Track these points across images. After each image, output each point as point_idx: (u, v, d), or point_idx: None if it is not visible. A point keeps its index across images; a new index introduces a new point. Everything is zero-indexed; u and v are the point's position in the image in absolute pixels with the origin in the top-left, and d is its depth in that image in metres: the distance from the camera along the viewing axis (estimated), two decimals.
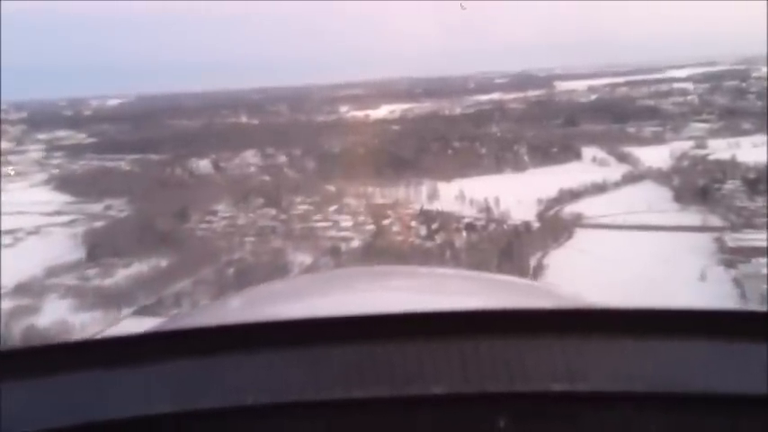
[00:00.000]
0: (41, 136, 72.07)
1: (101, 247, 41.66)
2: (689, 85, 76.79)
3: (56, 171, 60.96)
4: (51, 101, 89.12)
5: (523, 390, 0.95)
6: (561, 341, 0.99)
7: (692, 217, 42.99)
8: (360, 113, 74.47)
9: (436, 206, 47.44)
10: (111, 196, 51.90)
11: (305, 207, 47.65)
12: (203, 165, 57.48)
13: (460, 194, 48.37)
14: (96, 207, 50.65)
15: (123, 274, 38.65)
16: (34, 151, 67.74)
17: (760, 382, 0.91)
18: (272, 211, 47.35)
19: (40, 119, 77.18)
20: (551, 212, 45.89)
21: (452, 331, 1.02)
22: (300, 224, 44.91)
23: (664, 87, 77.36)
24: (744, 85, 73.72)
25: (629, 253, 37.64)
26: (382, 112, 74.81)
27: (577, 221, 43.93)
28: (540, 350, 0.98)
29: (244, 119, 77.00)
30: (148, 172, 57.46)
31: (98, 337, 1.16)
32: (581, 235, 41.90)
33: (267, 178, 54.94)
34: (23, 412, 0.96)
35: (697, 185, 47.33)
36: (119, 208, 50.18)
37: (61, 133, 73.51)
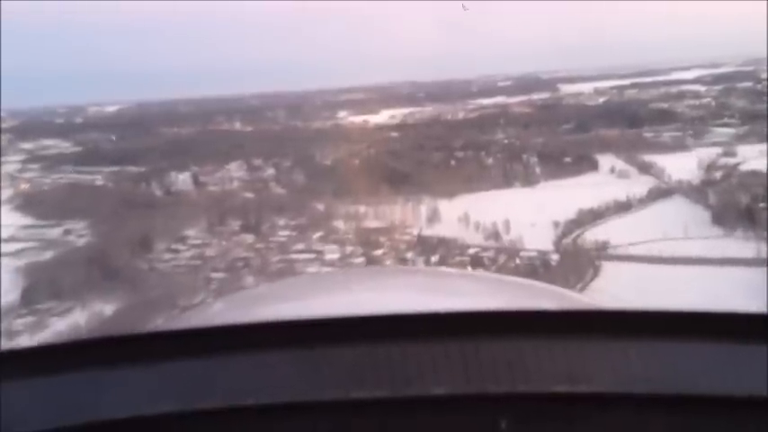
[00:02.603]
0: (26, 146, 62.83)
1: (41, 287, 32.19)
2: (699, 87, 67.05)
3: (25, 187, 51.42)
4: (49, 108, 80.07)
5: (525, 391, 0.90)
6: (563, 342, 0.94)
7: (740, 245, 33.08)
8: (358, 119, 64.64)
9: (437, 231, 37.82)
10: (75, 218, 42.44)
11: (287, 233, 38.12)
12: (182, 179, 47.92)
13: (464, 216, 38.64)
14: (54, 232, 41.19)
15: (56, 327, 29.18)
16: (12, 163, 58.28)
17: (761, 384, 0.87)
18: (249, 238, 37.81)
19: (30, 127, 68.25)
20: (571, 239, 36.10)
21: (453, 332, 0.96)
22: (279, 256, 35.35)
23: (673, 90, 67.61)
24: (759, 86, 64.10)
25: (671, 297, 27.83)
26: (382, 117, 64.91)
27: (603, 252, 34.05)
28: (541, 351, 0.93)
29: (237, 126, 67.56)
30: (122, 188, 48.00)
31: (98, 336, 1.04)
32: (609, 270, 32.00)
33: (250, 195, 45.33)
34: (24, 412, 0.92)
35: (738, 204, 37.46)
36: (79, 233, 40.70)
37: (47, 142, 64.19)
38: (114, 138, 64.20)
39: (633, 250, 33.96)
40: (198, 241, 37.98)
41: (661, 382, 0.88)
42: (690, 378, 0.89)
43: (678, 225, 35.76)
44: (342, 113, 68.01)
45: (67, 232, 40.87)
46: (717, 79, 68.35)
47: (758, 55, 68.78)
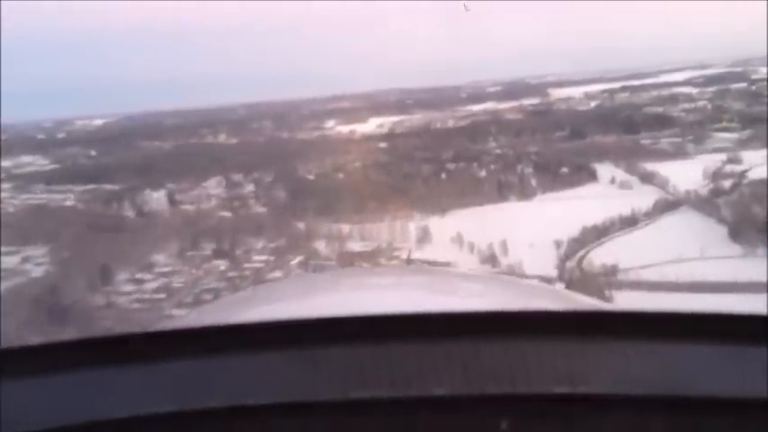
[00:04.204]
0: (4, 163, 57.70)
1: None
2: (691, 90, 62.04)
3: None
4: (36, 122, 74.73)
5: (525, 392, 0.88)
6: (563, 343, 0.91)
7: (764, 266, 28.03)
8: (345, 129, 59.54)
9: (427, 253, 32.81)
10: (38, 243, 37.28)
11: (263, 257, 33.12)
12: (157, 198, 42.79)
13: (457, 236, 33.65)
14: (13, 260, 35.91)
15: None
16: None
17: (760, 386, 0.85)
18: (222, 265, 32.76)
19: (13, 143, 63.08)
20: (575, 262, 31.04)
21: (454, 332, 0.93)
22: (253, 285, 30.22)
23: (665, 93, 62.67)
24: (753, 88, 59.27)
25: None
26: (370, 126, 59.89)
27: (613, 278, 28.92)
28: (541, 352, 0.91)
29: (222, 138, 62.47)
30: (92, 209, 42.88)
31: (99, 335, 1.00)
32: (621, 302, 26.86)
33: (227, 214, 40.26)
34: (24, 412, 0.89)
35: (755, 217, 32.52)
36: (38, 260, 35.52)
37: (26, 159, 59.11)
38: (95, 153, 59.31)
39: (646, 275, 28.90)
40: (166, 269, 32.94)
41: (661, 383, 0.86)
42: (689, 379, 0.86)
43: (692, 243, 30.83)
44: (329, 123, 62.96)
45: (26, 260, 35.68)
46: (708, 81, 63.39)
47: (747, 56, 65.28)
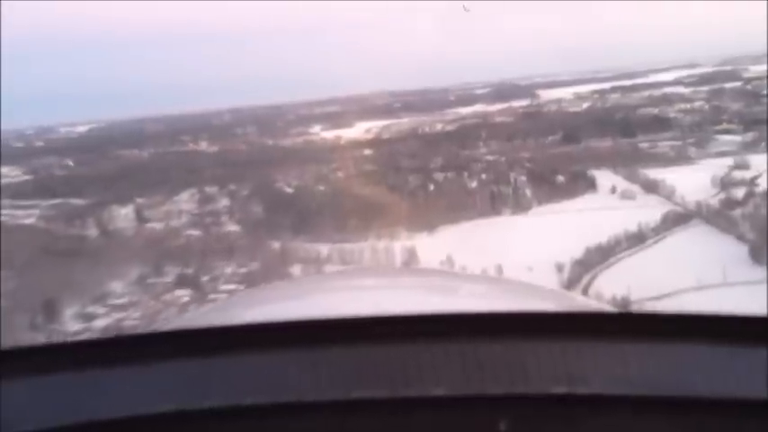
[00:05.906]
0: None
1: None
2: (684, 90, 57.32)
3: None
4: (19, 130, 69.39)
5: (524, 392, 0.85)
6: (562, 344, 0.88)
7: None
8: (330, 135, 54.63)
9: None
10: None
11: (232, 287, 28.19)
12: (124, 214, 37.77)
13: (447, 258, 28.74)
14: None
15: None
16: None
17: (760, 386, 0.82)
18: (185, 295, 27.82)
19: None
20: (581, 290, 26.20)
21: (453, 333, 0.90)
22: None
23: (657, 93, 57.89)
24: (749, 87, 54.62)
25: None
26: (356, 131, 55.11)
27: (626, 311, 24.27)
28: (540, 353, 0.88)
29: (203, 145, 57.37)
30: (53, 227, 37.89)
31: (98, 336, 0.98)
32: None
33: (197, 233, 35.27)
34: (24, 412, 0.87)
35: None
36: None
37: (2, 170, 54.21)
38: (71, 163, 54.15)
39: (663, 306, 24.03)
40: (121, 300, 28.00)
41: (659, 383, 0.83)
42: (689, 380, 0.83)
43: (712, 265, 26.00)
44: (315, 128, 58.12)
45: None
46: (700, 80, 58.77)
47: (734, 54, 61.43)
